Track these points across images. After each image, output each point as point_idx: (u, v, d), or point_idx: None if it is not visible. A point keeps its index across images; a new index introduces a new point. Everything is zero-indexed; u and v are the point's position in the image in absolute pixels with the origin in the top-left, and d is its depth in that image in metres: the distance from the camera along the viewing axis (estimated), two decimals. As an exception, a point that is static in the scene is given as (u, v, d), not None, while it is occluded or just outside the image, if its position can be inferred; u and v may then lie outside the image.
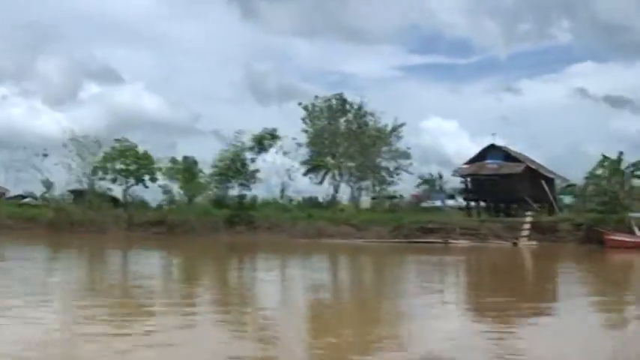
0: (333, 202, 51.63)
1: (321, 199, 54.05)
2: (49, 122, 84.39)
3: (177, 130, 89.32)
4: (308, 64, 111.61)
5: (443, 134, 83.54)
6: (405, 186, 56.80)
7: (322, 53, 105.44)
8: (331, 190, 53.13)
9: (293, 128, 52.63)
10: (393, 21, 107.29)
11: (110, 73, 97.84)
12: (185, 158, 52.36)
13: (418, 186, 60.16)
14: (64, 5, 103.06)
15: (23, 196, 60.35)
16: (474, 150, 50.69)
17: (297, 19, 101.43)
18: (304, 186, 54.94)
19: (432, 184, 61.80)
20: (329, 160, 52.26)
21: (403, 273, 25.91)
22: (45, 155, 48.96)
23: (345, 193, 54.69)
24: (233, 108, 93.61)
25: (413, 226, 41.25)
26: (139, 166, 48.28)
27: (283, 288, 20.01)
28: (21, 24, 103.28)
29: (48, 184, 50.04)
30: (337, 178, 52.50)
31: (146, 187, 49.57)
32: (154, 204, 51.75)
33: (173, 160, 51.86)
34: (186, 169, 51.16)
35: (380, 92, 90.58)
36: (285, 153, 50.08)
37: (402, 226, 41.45)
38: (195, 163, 51.81)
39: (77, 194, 50.58)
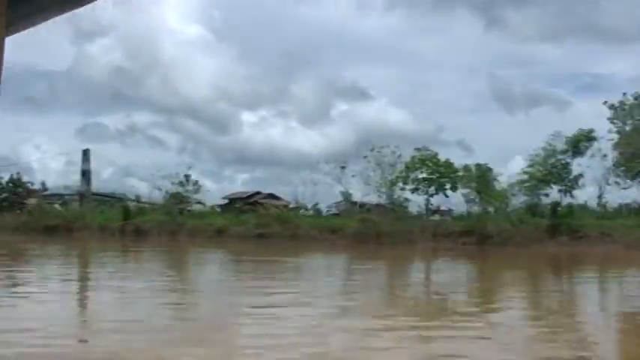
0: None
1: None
2: (304, 140, 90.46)
3: (423, 142, 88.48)
4: (555, 69, 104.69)
5: None
6: None
7: (570, 56, 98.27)
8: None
9: (543, 135, 47.55)
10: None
11: (358, 91, 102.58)
12: (478, 166, 49.47)
13: None
14: (314, 31, 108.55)
15: (297, 208, 61.87)
16: None
17: (543, 24, 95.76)
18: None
19: None
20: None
21: None
22: (343, 167, 48.92)
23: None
24: (477, 117, 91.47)
25: None
26: (440, 174, 46.34)
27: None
28: (278, 51, 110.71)
29: (347, 196, 49.93)
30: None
31: (446, 196, 47.48)
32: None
33: (466, 168, 49.25)
34: (480, 177, 48.23)
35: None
36: (604, 156, 45.03)
37: None
38: (490, 170, 48.69)
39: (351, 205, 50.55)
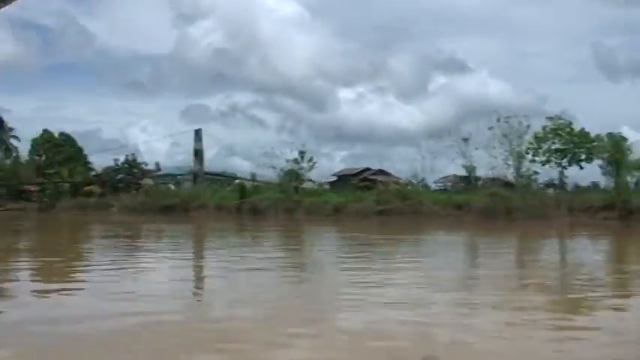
0: None
1: None
2: (401, 115, 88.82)
3: (524, 114, 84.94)
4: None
5: None
6: None
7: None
8: None
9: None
10: None
11: (456, 64, 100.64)
12: (610, 135, 45.72)
13: None
14: (410, 5, 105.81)
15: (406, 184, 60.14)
16: None
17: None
18: None
19: None
20: None
21: None
22: (465, 140, 46.36)
23: None
24: (581, 88, 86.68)
25: None
26: (574, 145, 43.05)
27: None
28: (374, 26, 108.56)
29: (470, 169, 47.40)
30: None
31: (581, 168, 44.11)
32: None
33: (597, 138, 45.63)
34: (614, 146, 44.53)
35: None
36: None
37: None
38: (624, 139, 44.87)
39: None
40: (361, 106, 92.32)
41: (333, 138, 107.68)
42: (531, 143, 43.68)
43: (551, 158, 43.67)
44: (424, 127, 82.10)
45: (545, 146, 43.61)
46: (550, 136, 43.48)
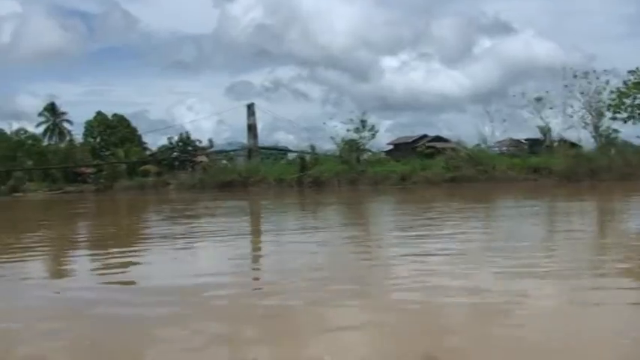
0: None
1: None
2: (446, 81, 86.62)
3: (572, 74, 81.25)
4: None
5: None
6: None
7: None
8: None
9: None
10: None
11: (501, 26, 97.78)
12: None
13: None
14: None
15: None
16: None
17: None
18: None
19: None
20: None
21: None
22: (538, 100, 44.03)
23: None
24: (631, 43, 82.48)
25: None
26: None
27: None
28: None
29: (545, 130, 45.12)
30: None
31: (667, 124, 41.49)
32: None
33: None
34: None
35: None
36: None
37: None
38: None
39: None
40: (405, 73, 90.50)
41: (378, 107, 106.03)
42: (613, 99, 41.10)
43: (635, 114, 41.07)
44: (471, 91, 79.89)
45: (627, 102, 41.00)
46: (634, 90, 40.80)
